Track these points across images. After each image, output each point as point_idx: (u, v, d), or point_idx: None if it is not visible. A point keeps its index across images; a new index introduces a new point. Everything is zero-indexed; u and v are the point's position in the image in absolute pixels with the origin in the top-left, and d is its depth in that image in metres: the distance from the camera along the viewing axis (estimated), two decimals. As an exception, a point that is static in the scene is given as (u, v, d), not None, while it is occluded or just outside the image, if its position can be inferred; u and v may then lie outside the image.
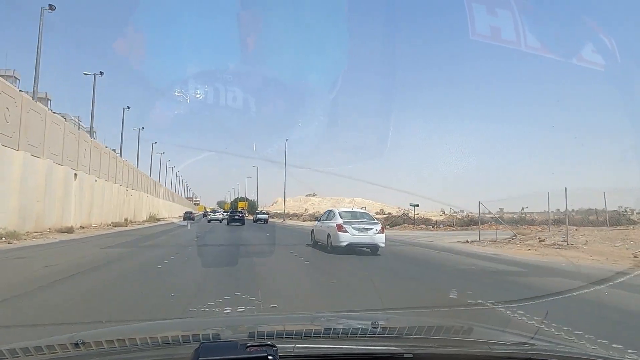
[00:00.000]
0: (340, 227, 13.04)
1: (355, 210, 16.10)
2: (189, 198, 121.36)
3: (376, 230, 13.26)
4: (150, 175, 53.44)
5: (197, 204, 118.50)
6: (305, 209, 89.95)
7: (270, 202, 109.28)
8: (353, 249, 13.04)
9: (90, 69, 33.37)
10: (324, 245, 14.02)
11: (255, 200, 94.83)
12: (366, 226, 13.29)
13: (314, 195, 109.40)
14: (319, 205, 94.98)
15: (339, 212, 14.09)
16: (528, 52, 11.70)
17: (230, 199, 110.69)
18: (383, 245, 13.26)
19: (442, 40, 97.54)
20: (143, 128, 45.89)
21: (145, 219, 43.50)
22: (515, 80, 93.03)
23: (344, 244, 12.82)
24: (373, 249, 13.24)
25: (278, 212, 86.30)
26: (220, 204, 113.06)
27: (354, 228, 13.02)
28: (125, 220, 34.66)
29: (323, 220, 15.09)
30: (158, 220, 46.61)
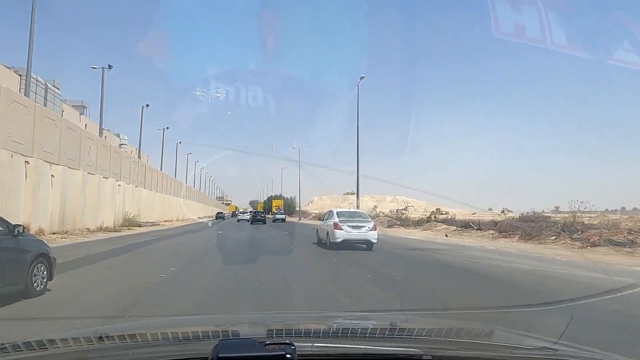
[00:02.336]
0: (336, 225, 14.46)
1: (351, 210, 17.68)
2: (219, 198, 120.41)
3: (369, 227, 14.61)
4: (175, 177, 51.26)
5: (229, 204, 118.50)
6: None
7: (305, 201, 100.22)
8: (350, 245, 14.25)
9: (113, 68, 33.28)
10: (325, 242, 15.27)
11: (292, 198, 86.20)
12: (359, 224, 14.63)
13: (352, 194, 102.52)
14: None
15: (336, 212, 15.52)
16: (555, 50, 11.34)
17: (263, 198, 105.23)
18: (375, 241, 14.57)
19: (464, 38, 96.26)
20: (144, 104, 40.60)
21: (110, 224, 24.87)
22: (540, 77, 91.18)
23: (339, 239, 14.23)
24: (367, 244, 14.54)
25: (316, 211, 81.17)
26: (253, 204, 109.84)
27: (348, 226, 14.40)
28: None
29: (325, 220, 16.48)
30: (139, 226, 28.97)
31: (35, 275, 6.41)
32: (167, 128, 48.32)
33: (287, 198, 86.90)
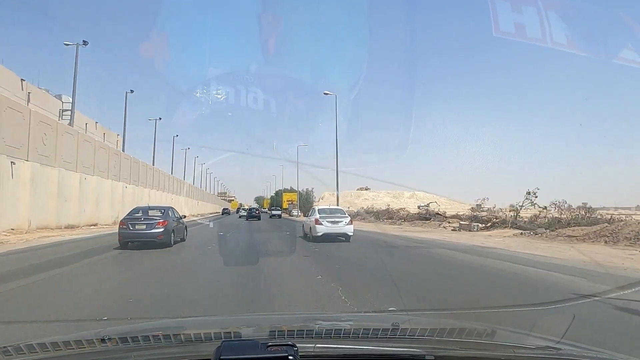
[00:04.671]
0: (317, 221, 16.20)
1: (331, 207, 19.88)
2: (220, 194, 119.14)
3: (345, 222, 16.43)
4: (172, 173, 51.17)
5: (231, 201, 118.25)
6: (362, 207, 61.84)
7: (316, 197, 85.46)
8: (330, 238, 15.82)
9: (114, 71, 32.60)
10: (309, 236, 17.00)
11: (309, 190, 70.06)
12: (337, 219, 16.39)
13: (366, 189, 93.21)
14: (373, 200, 77.01)
15: (317, 209, 17.58)
16: (556, 49, 11.28)
17: (269, 193, 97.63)
18: (351, 234, 16.33)
19: (464, 36, 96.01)
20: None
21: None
22: (541, 75, 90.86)
23: (320, 234, 15.93)
24: (345, 237, 16.22)
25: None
26: (259, 200, 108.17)
27: (327, 221, 16.16)
28: None
29: (309, 216, 18.57)
30: None
31: (185, 234, 16.18)
32: (177, 136, 50.23)
33: (303, 191, 69.62)
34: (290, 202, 65.81)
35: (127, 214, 14.61)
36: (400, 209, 44.98)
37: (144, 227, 13.51)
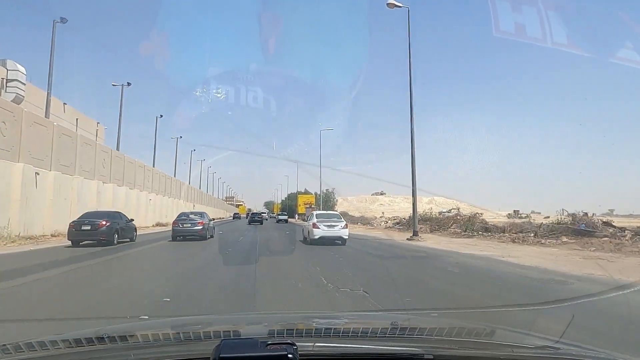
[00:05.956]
0: (314, 225, 17.32)
1: (328, 212, 21.50)
2: (228, 198, 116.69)
3: (341, 226, 17.53)
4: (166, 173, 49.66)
5: (239, 206, 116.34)
6: (380, 215, 54.59)
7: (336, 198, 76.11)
8: (326, 241, 16.84)
9: (114, 70, 29.95)
10: (307, 239, 18.04)
11: (329, 191, 62.11)
12: (333, 223, 17.49)
13: (381, 194, 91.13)
14: (389, 205, 75.29)
15: (315, 214, 19.02)
16: (555, 49, 11.29)
17: (279, 197, 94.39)
18: (346, 237, 17.50)
19: (465, 36, 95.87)
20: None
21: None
22: (540, 75, 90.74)
23: (317, 237, 17.07)
24: (341, 240, 17.33)
25: (344, 212, 48.91)
26: (268, 205, 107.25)
27: (324, 225, 17.25)
28: None
29: (307, 220, 20.10)
30: None
31: (214, 232, 21.83)
32: (161, 116, 44.08)
33: (322, 193, 58.52)
34: (308, 206, 59.09)
35: (177, 217, 20.47)
36: (474, 213, 29.96)
37: (189, 225, 19.28)
